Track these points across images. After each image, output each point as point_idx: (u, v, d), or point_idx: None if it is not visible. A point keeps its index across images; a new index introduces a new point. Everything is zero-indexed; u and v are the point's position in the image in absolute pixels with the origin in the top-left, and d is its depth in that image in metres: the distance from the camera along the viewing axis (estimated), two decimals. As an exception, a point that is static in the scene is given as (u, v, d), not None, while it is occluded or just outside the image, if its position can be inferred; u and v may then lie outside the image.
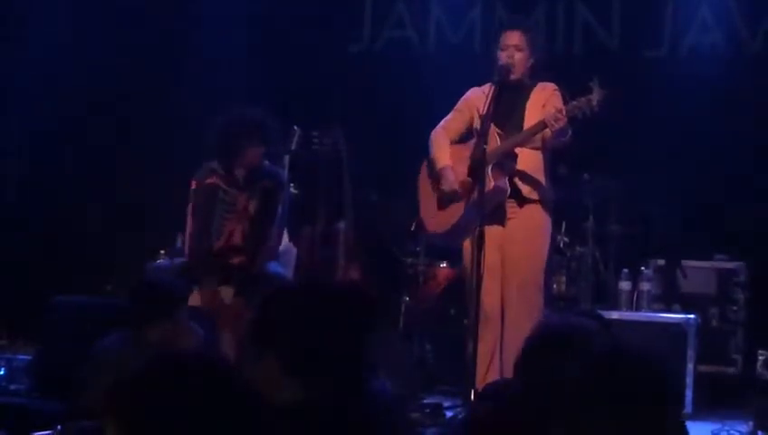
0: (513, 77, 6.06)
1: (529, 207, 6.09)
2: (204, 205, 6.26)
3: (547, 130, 5.88)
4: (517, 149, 6.04)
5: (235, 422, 1.99)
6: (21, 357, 6.83)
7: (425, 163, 6.35)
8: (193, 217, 6.31)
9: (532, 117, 6.04)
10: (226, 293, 6.08)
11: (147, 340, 4.68)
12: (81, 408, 4.52)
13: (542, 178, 6.10)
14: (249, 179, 6.28)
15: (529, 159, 6.07)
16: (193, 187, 6.33)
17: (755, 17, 8.11)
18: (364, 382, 2.67)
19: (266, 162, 6.34)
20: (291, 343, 2.62)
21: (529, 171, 6.06)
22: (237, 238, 6.22)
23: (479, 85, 6.27)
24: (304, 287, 2.94)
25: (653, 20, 8.29)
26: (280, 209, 6.35)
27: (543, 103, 6.07)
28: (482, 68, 6.39)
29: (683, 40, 8.23)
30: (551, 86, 6.13)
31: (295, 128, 7.03)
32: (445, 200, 6.18)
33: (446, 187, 6.11)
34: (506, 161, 6.01)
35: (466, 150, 6.04)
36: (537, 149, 6.08)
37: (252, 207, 6.26)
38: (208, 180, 6.30)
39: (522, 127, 6.05)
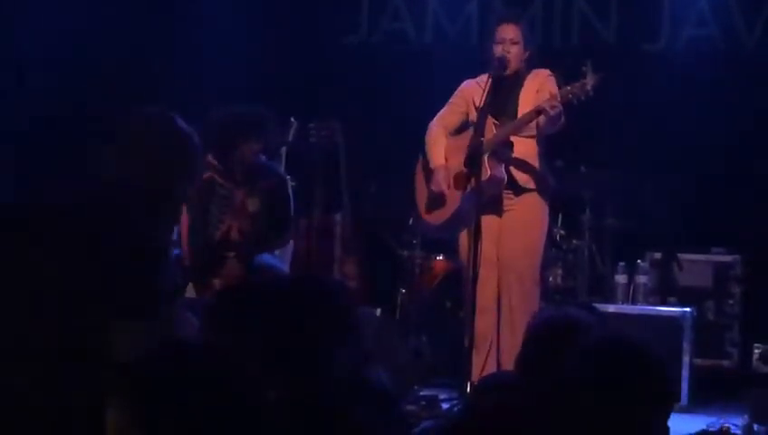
0: (509, 71, 6.05)
1: (526, 197, 6.08)
2: (200, 200, 6.24)
3: (541, 116, 5.85)
4: (512, 138, 6.03)
5: (230, 413, 1.99)
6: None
7: (421, 157, 6.35)
8: (189, 211, 6.29)
9: (525, 104, 6.02)
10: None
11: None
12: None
13: (537, 165, 6.09)
14: (247, 176, 6.26)
15: (524, 148, 6.06)
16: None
17: (753, 10, 8.11)
18: (325, 376, 2.64)
19: (263, 157, 6.32)
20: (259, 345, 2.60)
21: (524, 160, 6.06)
22: (235, 234, 6.20)
23: (474, 77, 6.26)
24: (259, 288, 2.89)
25: (651, 13, 8.28)
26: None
27: (537, 89, 6.04)
28: (479, 60, 6.39)
29: (680, 33, 8.22)
30: (544, 72, 6.11)
31: (292, 120, 7.02)
32: (432, 199, 6.20)
33: (434, 187, 6.13)
34: (502, 150, 6.01)
35: (463, 142, 6.03)
36: (531, 136, 6.07)
37: (252, 205, 6.23)
38: (204, 175, 6.28)
39: (516, 116, 6.04)
